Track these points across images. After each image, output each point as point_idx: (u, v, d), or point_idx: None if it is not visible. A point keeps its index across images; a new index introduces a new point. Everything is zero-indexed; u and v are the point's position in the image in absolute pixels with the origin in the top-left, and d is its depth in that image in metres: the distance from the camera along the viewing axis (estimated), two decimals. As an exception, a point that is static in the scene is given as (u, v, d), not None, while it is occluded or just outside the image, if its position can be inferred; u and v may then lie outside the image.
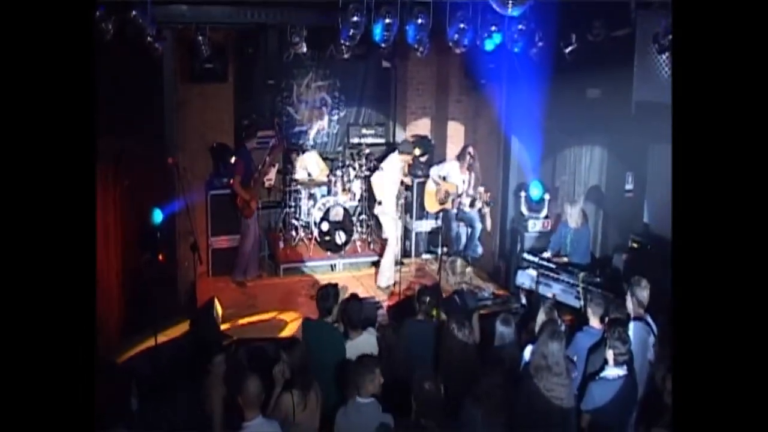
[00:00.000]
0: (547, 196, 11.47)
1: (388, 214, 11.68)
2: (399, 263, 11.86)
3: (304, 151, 13.21)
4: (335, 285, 7.82)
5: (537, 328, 7.15)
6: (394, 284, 11.38)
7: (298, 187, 12.88)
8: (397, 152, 11.76)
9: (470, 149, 12.14)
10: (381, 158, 12.87)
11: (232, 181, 11.59)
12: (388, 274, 11.79)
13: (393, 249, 11.82)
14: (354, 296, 7.95)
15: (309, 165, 12.99)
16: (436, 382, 5.97)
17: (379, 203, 11.75)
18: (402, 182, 12.04)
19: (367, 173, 13.10)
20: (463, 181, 11.98)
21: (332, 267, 12.75)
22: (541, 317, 7.44)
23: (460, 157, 12.22)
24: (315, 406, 6.41)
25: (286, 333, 10.00)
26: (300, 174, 12.92)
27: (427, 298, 7.98)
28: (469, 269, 11.35)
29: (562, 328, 7.82)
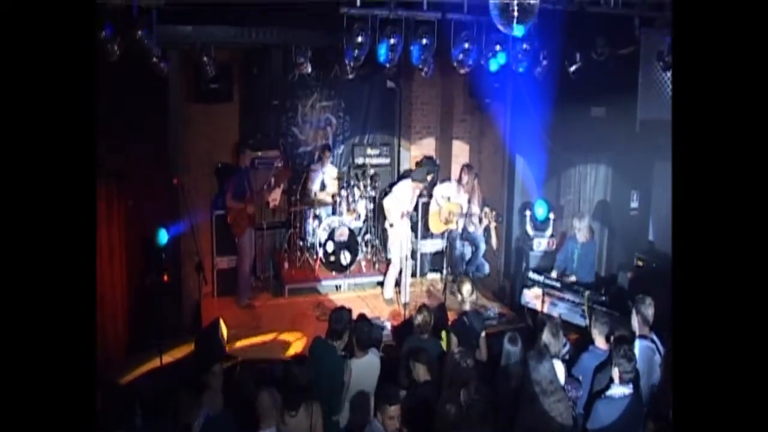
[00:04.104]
0: (552, 215, 11.47)
1: (396, 236, 11.74)
2: (398, 284, 11.99)
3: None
4: (349, 309, 7.80)
5: (540, 347, 7.14)
6: (405, 305, 11.39)
7: (303, 207, 12.88)
8: (410, 179, 11.83)
9: (467, 169, 12.17)
10: (393, 182, 12.97)
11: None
12: (390, 288, 12.07)
13: (395, 269, 11.93)
14: (362, 317, 7.94)
15: (327, 179, 13.03)
16: (459, 405, 6.01)
17: (391, 225, 11.81)
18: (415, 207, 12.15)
19: (372, 193, 13.12)
20: (468, 201, 11.99)
21: (337, 287, 12.73)
22: (545, 336, 7.43)
23: (459, 177, 12.25)
24: (306, 427, 6.39)
25: (290, 353, 9.98)
26: (315, 185, 12.94)
27: (421, 317, 8.05)
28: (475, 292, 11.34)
29: (566, 347, 7.85)
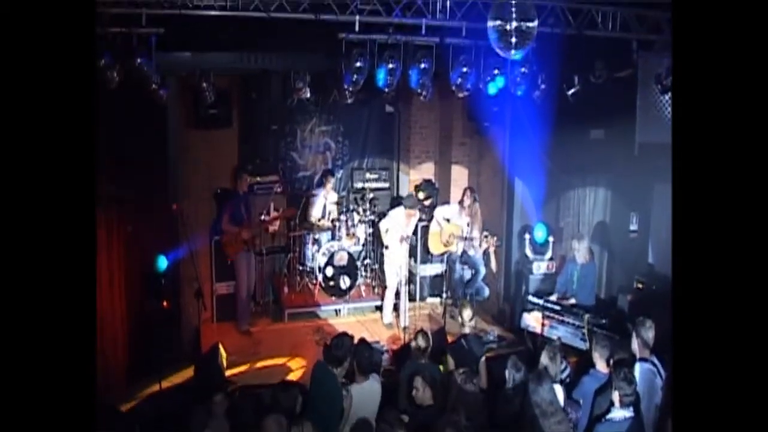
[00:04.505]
0: (551, 238, 11.47)
1: (393, 260, 11.78)
2: (396, 308, 12.05)
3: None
4: (350, 336, 7.76)
5: (540, 369, 7.12)
6: (404, 329, 11.38)
7: (302, 232, 12.88)
8: (402, 207, 11.86)
9: (469, 192, 12.17)
10: (389, 208, 13.01)
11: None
12: (389, 313, 12.15)
13: (391, 292, 12.00)
14: (363, 341, 7.90)
15: (328, 204, 13.05)
16: (459, 428, 5.97)
17: (386, 248, 11.84)
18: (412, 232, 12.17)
19: (372, 218, 13.13)
20: (467, 224, 11.99)
21: (337, 312, 12.69)
22: (543, 359, 7.42)
23: (461, 201, 12.25)
24: None
25: (290, 378, 9.94)
26: (316, 209, 12.94)
27: (419, 341, 8.03)
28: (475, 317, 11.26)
29: (566, 371, 7.83)
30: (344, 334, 7.72)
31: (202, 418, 6.95)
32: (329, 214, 13.00)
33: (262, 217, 12.07)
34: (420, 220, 12.52)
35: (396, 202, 13.40)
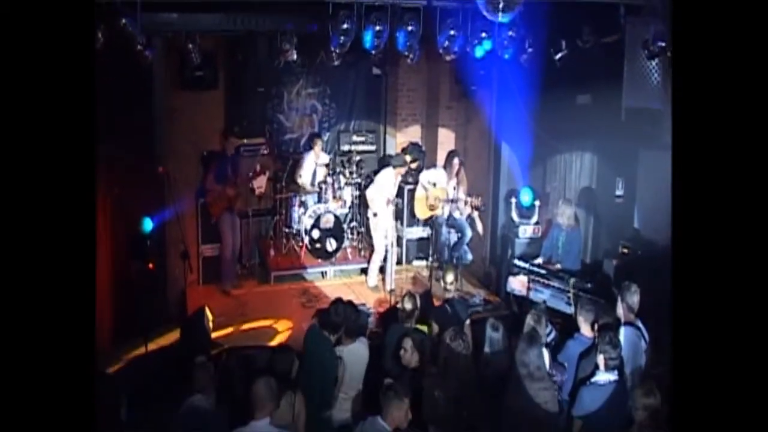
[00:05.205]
0: (537, 203, 11.49)
1: (381, 225, 11.80)
2: (382, 271, 12.16)
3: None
4: (347, 302, 7.75)
5: (532, 332, 7.16)
6: (390, 291, 11.42)
7: (289, 194, 12.86)
8: (391, 167, 11.86)
9: (456, 156, 12.17)
10: (375, 171, 13.02)
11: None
12: (374, 275, 12.25)
13: (379, 255, 12.06)
14: (350, 303, 7.90)
15: (319, 168, 13.01)
16: (446, 389, 6.00)
17: (375, 215, 11.85)
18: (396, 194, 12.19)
19: (358, 180, 13.12)
20: (453, 188, 11.99)
21: (323, 274, 12.74)
22: (528, 323, 7.46)
23: (446, 164, 12.24)
24: (288, 418, 6.31)
25: (277, 341, 9.99)
26: (306, 172, 12.89)
27: (409, 306, 8.01)
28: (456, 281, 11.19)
29: (552, 334, 7.89)
30: (340, 300, 7.72)
31: (200, 378, 6.88)
32: (317, 183, 12.96)
33: (250, 174, 12.05)
34: (407, 183, 12.55)
35: (383, 162, 13.41)
